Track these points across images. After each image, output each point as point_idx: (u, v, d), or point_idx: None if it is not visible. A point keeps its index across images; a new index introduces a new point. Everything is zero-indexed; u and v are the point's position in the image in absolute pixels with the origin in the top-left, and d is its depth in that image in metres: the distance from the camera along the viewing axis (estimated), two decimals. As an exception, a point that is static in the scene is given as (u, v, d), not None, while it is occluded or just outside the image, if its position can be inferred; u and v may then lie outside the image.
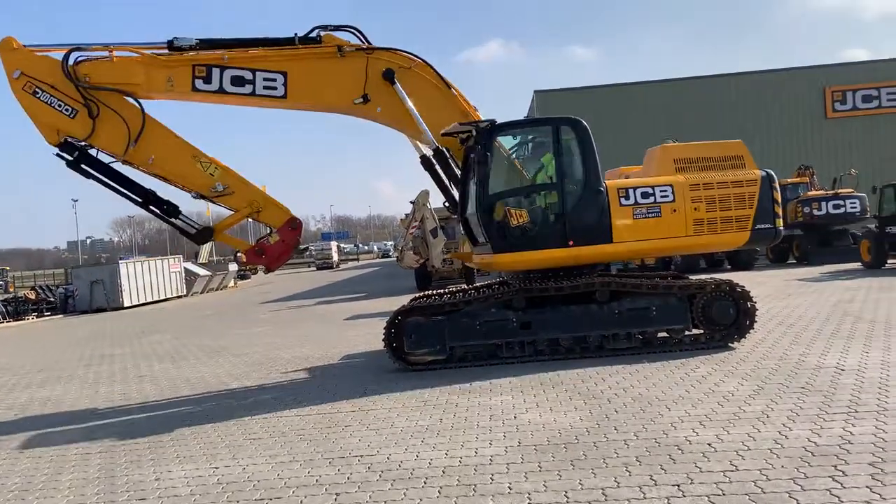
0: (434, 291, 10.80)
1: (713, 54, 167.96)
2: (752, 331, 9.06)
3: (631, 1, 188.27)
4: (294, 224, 9.08)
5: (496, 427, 6.17)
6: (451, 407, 7.03)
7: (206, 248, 56.51)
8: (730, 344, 8.93)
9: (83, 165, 8.55)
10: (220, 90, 8.58)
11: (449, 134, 9.29)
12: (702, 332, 9.03)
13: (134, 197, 8.88)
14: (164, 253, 65.61)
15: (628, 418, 6.08)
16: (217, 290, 39.20)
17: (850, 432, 5.19)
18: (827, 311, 11.66)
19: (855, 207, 22.21)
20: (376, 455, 5.66)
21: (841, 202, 22.31)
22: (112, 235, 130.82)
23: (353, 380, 9.01)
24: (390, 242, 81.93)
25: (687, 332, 9.06)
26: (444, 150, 9.42)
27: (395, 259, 33.46)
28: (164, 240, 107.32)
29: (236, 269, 44.85)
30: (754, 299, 9.05)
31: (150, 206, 8.92)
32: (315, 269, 61.84)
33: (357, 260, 78.00)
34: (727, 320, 8.92)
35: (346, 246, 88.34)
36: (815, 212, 22.30)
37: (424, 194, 15.03)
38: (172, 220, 9.08)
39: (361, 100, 8.98)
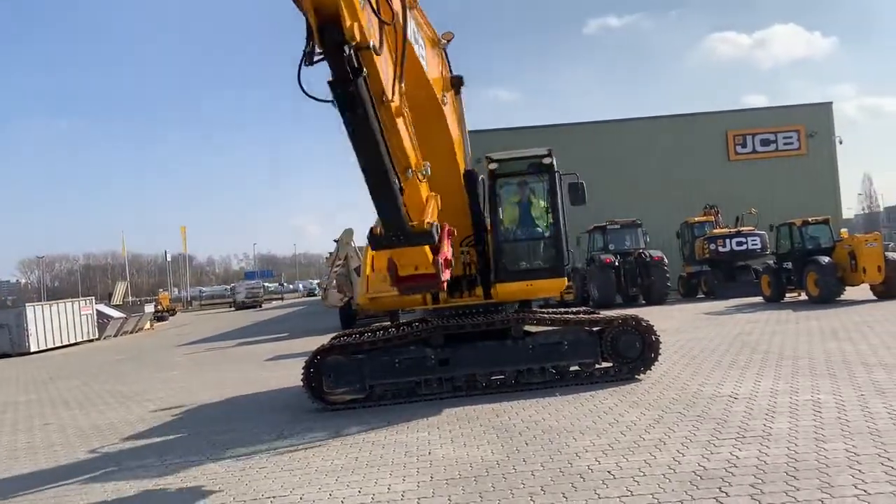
0: (355, 330, 10.87)
1: (621, 99, 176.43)
2: (657, 363, 9.55)
3: (542, 46, 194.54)
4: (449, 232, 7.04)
5: (410, 463, 6.30)
6: (368, 445, 7.12)
7: (120, 289, 54.29)
8: (637, 376, 9.38)
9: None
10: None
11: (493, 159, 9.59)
12: (611, 365, 9.46)
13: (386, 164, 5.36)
14: (74, 295, 62.62)
15: (537, 450, 6.33)
16: (132, 332, 37.65)
17: (736, 456, 5.60)
18: (728, 342, 12.37)
19: (756, 244, 23.66)
20: (289, 496, 5.69)
21: (743, 239, 23.71)
22: (19, 277, 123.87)
23: (270, 421, 8.94)
24: (316, 281, 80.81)
25: (597, 366, 9.47)
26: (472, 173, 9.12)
27: (319, 298, 33.05)
28: (76, 281, 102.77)
29: (152, 310, 43.35)
30: (658, 333, 9.56)
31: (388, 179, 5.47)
32: (234, 308, 58.85)
33: (282, 299, 76.45)
34: (634, 353, 9.39)
35: (270, 285, 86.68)
36: (720, 248, 23.61)
37: (348, 233, 15.06)
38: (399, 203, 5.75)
39: (446, 98, 7.67)
